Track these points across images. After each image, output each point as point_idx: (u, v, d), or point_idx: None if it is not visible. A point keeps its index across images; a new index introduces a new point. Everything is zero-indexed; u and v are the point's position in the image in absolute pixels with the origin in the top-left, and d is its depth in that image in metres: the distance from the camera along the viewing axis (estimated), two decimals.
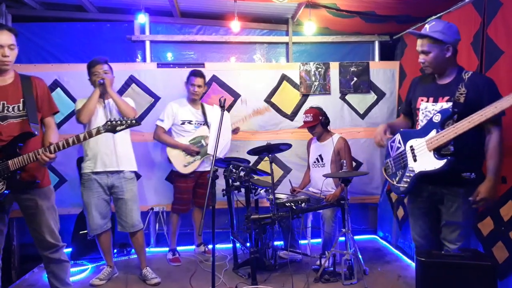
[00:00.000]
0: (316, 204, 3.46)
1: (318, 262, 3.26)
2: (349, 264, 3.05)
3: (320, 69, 4.14)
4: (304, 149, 3.89)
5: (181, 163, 3.58)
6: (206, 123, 3.68)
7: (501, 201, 2.50)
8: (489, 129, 2.07)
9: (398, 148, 2.30)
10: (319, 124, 3.52)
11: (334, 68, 4.15)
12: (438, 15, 3.25)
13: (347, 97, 4.18)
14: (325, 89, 4.15)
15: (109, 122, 2.34)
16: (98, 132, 2.33)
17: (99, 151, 3.03)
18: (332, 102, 4.13)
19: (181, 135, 3.62)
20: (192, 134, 3.63)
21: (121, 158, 3.08)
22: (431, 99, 2.22)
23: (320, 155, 3.63)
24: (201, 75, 3.60)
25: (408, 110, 2.44)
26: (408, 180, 2.19)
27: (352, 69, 4.15)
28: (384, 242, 4.16)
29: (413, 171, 2.17)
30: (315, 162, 3.67)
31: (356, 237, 3.23)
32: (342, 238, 3.23)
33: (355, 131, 4.20)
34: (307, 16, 3.87)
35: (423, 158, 2.13)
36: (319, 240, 3.53)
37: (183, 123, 3.61)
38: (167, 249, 3.82)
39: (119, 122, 2.35)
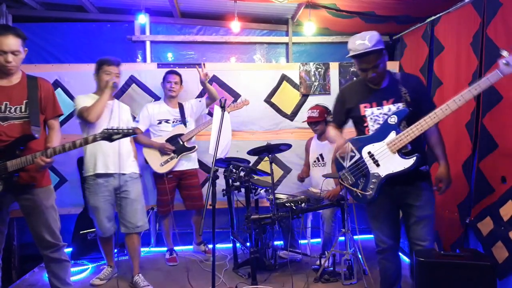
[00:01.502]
0: (316, 204, 3.46)
1: (318, 262, 3.27)
2: (349, 264, 3.06)
3: (320, 69, 4.14)
4: (304, 149, 3.89)
5: (157, 162, 3.56)
6: (183, 121, 3.66)
7: (501, 201, 2.51)
8: None
9: (352, 157, 2.26)
10: (323, 121, 3.52)
11: (334, 68, 4.16)
12: (438, 15, 3.25)
13: None
14: (325, 89, 4.16)
15: (105, 130, 2.31)
16: (94, 140, 2.31)
17: (101, 153, 2.98)
18: (332, 102, 4.11)
19: (158, 135, 3.62)
20: (169, 133, 3.61)
21: (124, 160, 3.03)
22: (374, 104, 2.23)
23: (321, 154, 3.63)
24: (177, 73, 3.65)
25: (343, 121, 2.45)
26: (374, 186, 2.18)
27: (352, 70, 4.15)
28: None
29: (379, 176, 2.17)
30: (315, 161, 3.67)
31: (355, 237, 3.23)
32: (341, 238, 3.24)
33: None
34: (307, 17, 3.87)
35: (388, 161, 2.14)
36: (319, 240, 3.54)
37: (160, 123, 3.61)
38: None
39: (115, 130, 2.31)
